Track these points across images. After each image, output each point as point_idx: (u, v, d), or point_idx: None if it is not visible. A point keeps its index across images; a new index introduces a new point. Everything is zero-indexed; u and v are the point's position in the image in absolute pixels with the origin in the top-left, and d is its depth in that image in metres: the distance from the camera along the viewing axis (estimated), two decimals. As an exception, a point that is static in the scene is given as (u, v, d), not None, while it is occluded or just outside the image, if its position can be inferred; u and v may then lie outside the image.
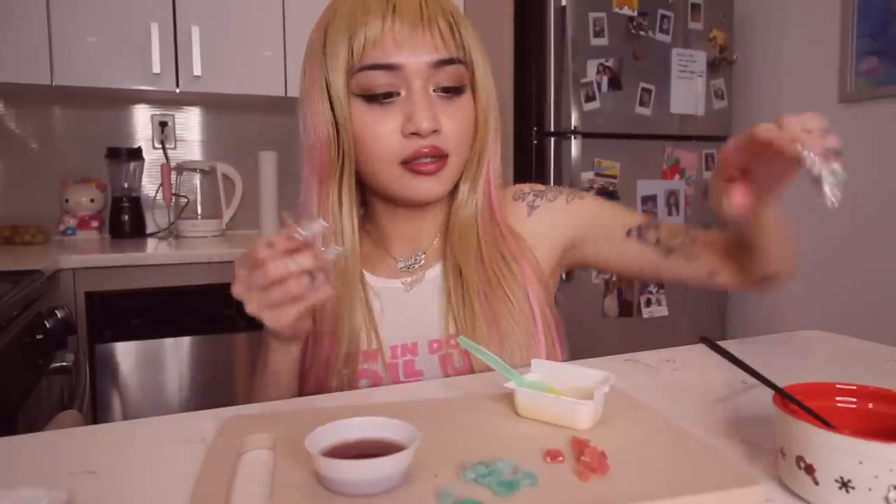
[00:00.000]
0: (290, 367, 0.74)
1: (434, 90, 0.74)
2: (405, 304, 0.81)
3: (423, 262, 0.84)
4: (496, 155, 0.82)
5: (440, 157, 0.74)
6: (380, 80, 0.72)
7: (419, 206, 0.80)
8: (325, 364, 0.78)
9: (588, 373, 0.61)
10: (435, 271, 0.83)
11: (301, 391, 0.79)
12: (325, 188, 0.78)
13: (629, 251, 0.83)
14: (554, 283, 0.88)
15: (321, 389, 0.77)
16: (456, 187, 0.81)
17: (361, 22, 0.71)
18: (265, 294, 0.61)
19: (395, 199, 0.79)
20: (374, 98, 0.73)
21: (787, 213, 0.70)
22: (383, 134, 0.73)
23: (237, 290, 0.63)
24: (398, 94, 0.73)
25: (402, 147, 0.73)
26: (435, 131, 0.73)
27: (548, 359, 0.79)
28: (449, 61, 0.73)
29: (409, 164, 0.74)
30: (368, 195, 0.84)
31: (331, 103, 0.75)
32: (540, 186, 0.89)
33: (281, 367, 0.73)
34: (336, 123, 0.75)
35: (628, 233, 0.83)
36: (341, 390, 0.76)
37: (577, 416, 0.55)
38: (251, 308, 0.63)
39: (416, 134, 0.72)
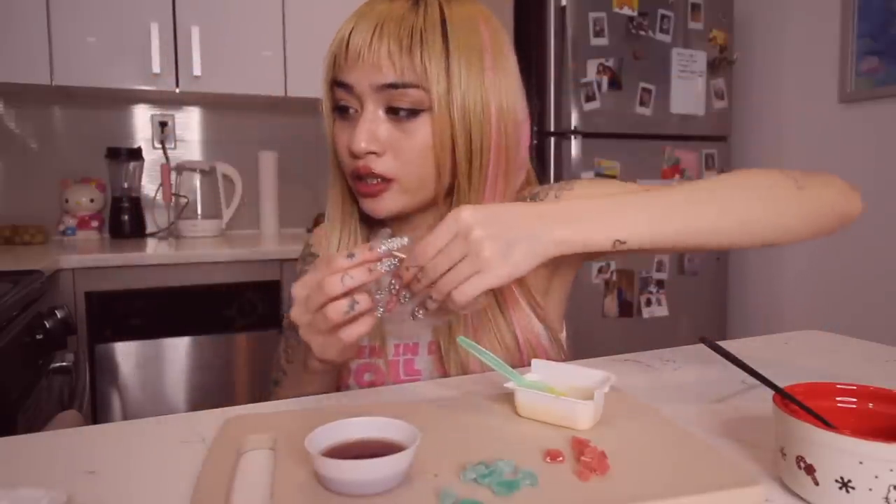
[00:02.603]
0: (324, 386, 0.75)
1: (386, 111, 0.73)
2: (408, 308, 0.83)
3: None
4: (508, 180, 0.78)
5: (386, 179, 0.74)
6: (340, 96, 0.75)
7: (402, 218, 0.81)
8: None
9: (588, 373, 0.61)
10: None
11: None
12: (335, 191, 0.83)
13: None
14: (563, 290, 0.86)
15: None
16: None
17: (338, 37, 0.74)
18: (314, 318, 0.61)
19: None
20: (339, 111, 0.76)
21: (643, 226, 0.64)
22: (340, 147, 0.77)
23: (294, 313, 0.63)
24: (356, 110, 0.74)
25: (348, 163, 0.76)
26: (373, 153, 0.73)
27: (513, 365, 0.79)
28: (394, 85, 0.71)
29: (355, 181, 0.77)
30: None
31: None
32: (536, 188, 0.87)
33: (315, 386, 0.74)
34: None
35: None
36: (349, 386, 0.80)
37: (577, 416, 0.55)
38: (302, 332, 0.63)
39: (354, 153, 0.74)
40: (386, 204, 0.76)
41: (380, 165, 0.73)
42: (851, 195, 0.72)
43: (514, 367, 0.79)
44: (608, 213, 0.64)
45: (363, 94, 0.72)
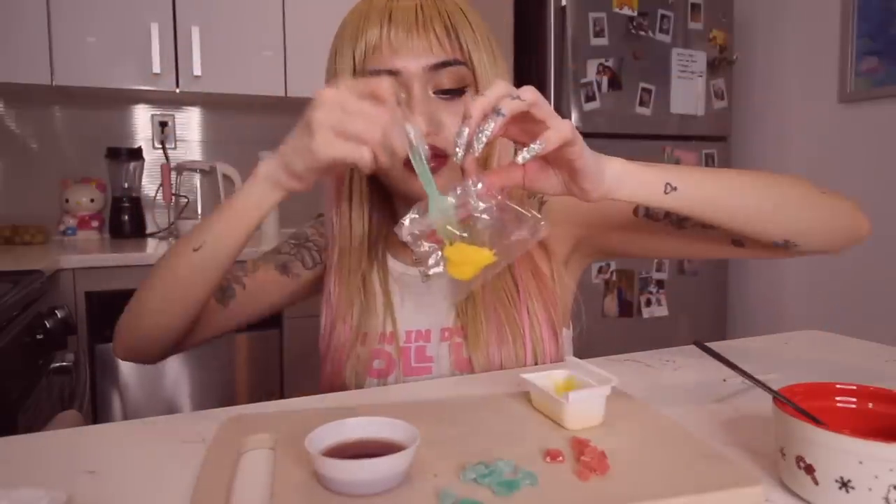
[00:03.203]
0: (252, 216, 0.68)
1: (434, 92, 0.76)
2: (421, 292, 0.85)
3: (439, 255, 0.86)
4: (506, 150, 0.82)
5: (440, 155, 0.75)
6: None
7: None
8: (341, 349, 0.82)
9: (603, 376, 0.61)
10: None
11: (320, 376, 0.85)
12: (341, 187, 0.83)
13: (641, 230, 0.81)
14: (573, 278, 0.88)
15: (336, 371, 0.82)
16: None
17: (362, 30, 0.74)
18: (338, 118, 0.58)
19: (406, 198, 0.80)
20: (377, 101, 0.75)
21: (692, 181, 0.65)
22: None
23: (329, 98, 0.58)
24: (402, 96, 0.75)
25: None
26: (431, 132, 0.75)
27: (535, 357, 0.80)
28: (445, 63, 0.74)
29: (410, 164, 0.75)
30: (388, 189, 0.86)
31: None
32: None
33: (249, 210, 0.67)
34: None
35: (635, 211, 0.80)
36: (355, 372, 0.80)
37: (563, 414, 0.56)
38: (305, 130, 0.59)
39: None
40: (443, 179, 0.76)
41: (438, 142, 0.75)
42: (863, 215, 0.74)
43: (519, 363, 0.80)
44: (661, 167, 0.67)
45: (411, 78, 0.74)
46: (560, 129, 0.57)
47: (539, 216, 0.59)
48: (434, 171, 0.75)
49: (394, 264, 0.87)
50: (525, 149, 0.56)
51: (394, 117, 0.58)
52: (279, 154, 0.63)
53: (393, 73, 0.74)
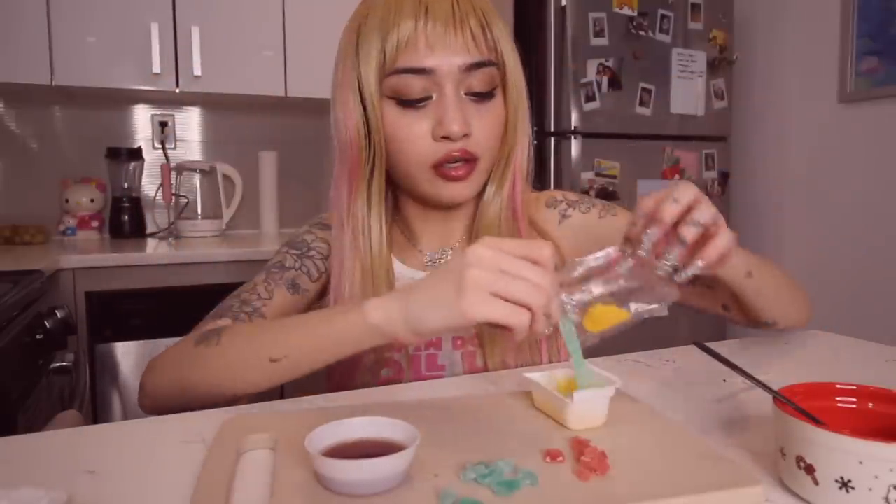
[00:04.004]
0: (345, 352, 0.61)
1: (465, 93, 0.73)
2: None
3: (448, 258, 0.85)
4: (524, 152, 0.81)
5: (470, 160, 0.74)
6: (412, 84, 0.71)
7: (449, 207, 0.81)
8: (352, 360, 0.78)
9: (605, 377, 0.61)
10: None
11: (326, 386, 0.82)
12: (356, 186, 0.78)
13: None
14: None
15: (345, 382, 0.80)
16: (483, 186, 0.81)
17: (394, 23, 0.70)
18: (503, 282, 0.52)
19: (426, 201, 0.80)
20: (408, 102, 0.73)
21: (757, 270, 0.71)
22: (414, 137, 0.73)
23: (485, 258, 0.53)
24: (430, 97, 0.73)
25: (433, 150, 0.73)
26: (466, 135, 0.73)
27: (550, 360, 0.80)
28: (480, 64, 0.72)
29: (439, 168, 0.74)
30: (399, 191, 0.84)
31: (363, 103, 0.74)
32: (573, 195, 0.89)
33: (344, 346, 0.60)
34: (367, 124, 0.75)
35: None
36: (364, 383, 0.79)
37: (566, 414, 0.56)
38: (457, 287, 0.52)
39: (446, 138, 0.72)
40: (471, 186, 0.76)
41: (470, 146, 0.74)
42: (810, 308, 0.85)
43: (529, 361, 0.80)
44: (744, 252, 0.69)
45: (443, 78, 0.71)
46: (722, 243, 0.57)
47: (671, 288, 0.59)
48: (463, 177, 0.75)
49: (401, 268, 0.83)
50: (685, 268, 0.58)
51: (555, 285, 0.53)
52: (403, 302, 0.55)
53: (425, 71, 0.71)
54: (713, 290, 0.79)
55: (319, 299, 0.87)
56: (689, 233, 0.55)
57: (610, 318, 0.58)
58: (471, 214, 0.84)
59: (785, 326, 0.82)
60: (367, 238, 0.79)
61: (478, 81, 0.73)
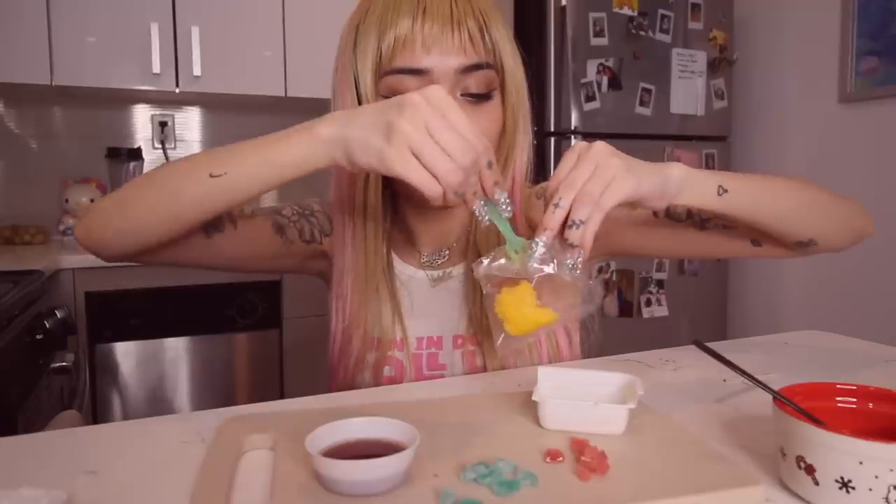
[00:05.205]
0: (288, 172, 0.61)
1: (462, 94, 0.72)
2: (431, 298, 0.83)
3: (446, 258, 0.85)
4: (523, 153, 0.80)
5: None
6: (408, 84, 0.70)
7: (445, 208, 0.80)
8: (355, 357, 0.80)
9: (602, 377, 0.61)
10: (459, 269, 0.84)
11: (329, 385, 0.83)
12: (354, 187, 0.78)
13: (661, 232, 0.79)
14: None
15: (348, 380, 0.80)
16: None
17: (391, 22, 0.69)
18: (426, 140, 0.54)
19: (422, 201, 0.79)
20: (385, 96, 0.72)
21: (740, 185, 0.66)
22: None
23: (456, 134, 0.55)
24: None
25: None
26: None
27: (550, 361, 0.80)
28: (477, 66, 0.71)
29: None
30: (397, 191, 0.83)
31: (359, 102, 0.74)
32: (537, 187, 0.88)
33: (287, 165, 0.60)
34: None
35: (655, 213, 0.78)
36: (366, 381, 0.79)
37: (618, 421, 0.54)
38: (409, 129, 0.53)
39: None
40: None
41: None
42: (870, 217, 0.78)
43: (528, 361, 0.79)
44: (710, 171, 0.67)
45: (440, 79, 0.70)
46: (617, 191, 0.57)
47: (596, 285, 0.59)
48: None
49: (401, 267, 0.84)
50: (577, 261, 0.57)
51: (478, 161, 0.56)
52: (347, 127, 0.57)
53: (421, 72, 0.70)
54: (731, 229, 0.76)
55: (301, 272, 0.88)
56: (573, 236, 0.56)
57: (535, 320, 0.57)
58: (469, 214, 0.84)
59: (834, 244, 0.75)
60: (365, 237, 0.79)
61: (474, 83, 0.71)
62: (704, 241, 0.77)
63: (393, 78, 0.71)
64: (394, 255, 0.85)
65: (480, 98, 0.73)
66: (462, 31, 0.70)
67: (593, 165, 0.57)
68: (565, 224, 0.57)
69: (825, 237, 0.73)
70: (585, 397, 0.59)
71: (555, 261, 0.57)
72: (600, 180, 0.56)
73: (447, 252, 0.85)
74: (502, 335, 0.58)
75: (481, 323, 0.78)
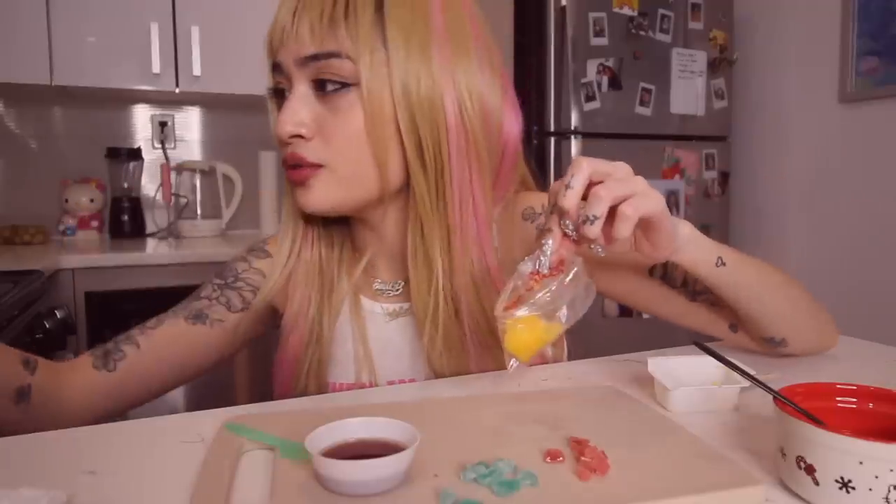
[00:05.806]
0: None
1: (314, 88, 0.67)
2: (391, 334, 0.77)
3: (399, 291, 0.78)
4: (483, 185, 0.69)
5: (309, 165, 0.67)
6: (275, 79, 0.70)
7: (360, 220, 0.75)
8: (291, 366, 0.76)
9: (698, 363, 0.66)
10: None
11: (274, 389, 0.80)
12: (286, 193, 0.76)
13: (652, 290, 0.78)
14: None
15: (286, 388, 0.77)
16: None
17: (274, 17, 0.69)
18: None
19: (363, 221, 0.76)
20: (277, 97, 0.71)
21: (737, 264, 0.67)
22: (276, 137, 0.69)
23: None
24: (289, 91, 0.68)
25: (281, 153, 0.70)
26: (299, 136, 0.67)
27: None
28: (315, 57, 0.65)
29: (286, 171, 0.70)
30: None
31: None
32: (532, 197, 0.80)
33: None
34: None
35: (652, 271, 0.76)
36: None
37: (732, 398, 0.62)
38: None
39: (280, 138, 0.68)
40: (316, 194, 0.68)
41: (308, 151, 0.67)
42: (837, 332, 0.79)
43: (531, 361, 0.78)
44: (718, 244, 0.67)
45: (290, 73, 0.67)
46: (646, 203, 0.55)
47: (591, 280, 0.58)
48: (300, 182, 0.68)
49: (363, 301, 0.78)
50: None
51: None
52: None
53: (276, 66, 0.68)
54: (718, 307, 0.76)
55: (251, 339, 0.83)
56: (590, 232, 0.54)
57: (545, 339, 0.58)
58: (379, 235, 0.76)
59: (801, 349, 0.76)
60: (288, 242, 0.76)
61: (323, 74, 0.65)
62: (691, 312, 0.77)
63: (272, 74, 0.71)
64: (361, 295, 0.78)
65: (331, 88, 0.66)
66: (303, 23, 0.65)
67: (621, 172, 0.56)
68: (565, 223, 0.56)
69: (796, 342, 0.75)
70: (697, 381, 0.64)
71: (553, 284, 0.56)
72: (627, 186, 0.55)
73: (401, 284, 0.78)
74: (514, 364, 0.59)
75: (453, 356, 0.72)
